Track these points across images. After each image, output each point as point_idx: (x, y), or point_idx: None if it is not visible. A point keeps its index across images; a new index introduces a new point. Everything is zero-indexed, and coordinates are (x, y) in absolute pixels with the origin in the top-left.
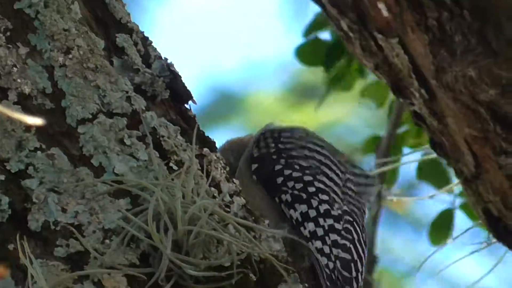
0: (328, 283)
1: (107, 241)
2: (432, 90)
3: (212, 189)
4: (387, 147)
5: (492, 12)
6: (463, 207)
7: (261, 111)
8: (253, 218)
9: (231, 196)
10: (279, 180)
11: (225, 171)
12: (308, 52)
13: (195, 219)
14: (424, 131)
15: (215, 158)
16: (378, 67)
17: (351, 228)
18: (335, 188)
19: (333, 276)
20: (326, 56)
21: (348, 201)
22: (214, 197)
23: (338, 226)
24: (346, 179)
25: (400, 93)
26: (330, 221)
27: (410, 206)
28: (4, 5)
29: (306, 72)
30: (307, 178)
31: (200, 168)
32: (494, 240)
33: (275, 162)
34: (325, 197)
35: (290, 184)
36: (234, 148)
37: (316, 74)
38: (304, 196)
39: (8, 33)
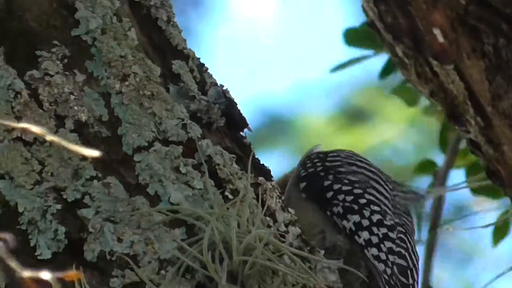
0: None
1: (163, 271)
2: (488, 118)
3: (267, 218)
4: (445, 174)
5: None
6: None
7: (311, 133)
8: (308, 248)
9: (286, 225)
10: (329, 194)
11: (280, 200)
12: (357, 34)
13: (250, 249)
14: (480, 159)
15: (271, 187)
16: (434, 93)
17: (405, 238)
18: (385, 201)
19: (392, 281)
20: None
21: (399, 214)
22: (269, 226)
23: (392, 235)
24: (394, 194)
25: (455, 121)
26: (384, 230)
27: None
28: (61, 31)
29: (356, 95)
30: (357, 191)
31: (255, 197)
32: None
33: (323, 179)
34: (376, 208)
35: (341, 197)
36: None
37: (366, 96)
38: (356, 207)
39: (66, 60)
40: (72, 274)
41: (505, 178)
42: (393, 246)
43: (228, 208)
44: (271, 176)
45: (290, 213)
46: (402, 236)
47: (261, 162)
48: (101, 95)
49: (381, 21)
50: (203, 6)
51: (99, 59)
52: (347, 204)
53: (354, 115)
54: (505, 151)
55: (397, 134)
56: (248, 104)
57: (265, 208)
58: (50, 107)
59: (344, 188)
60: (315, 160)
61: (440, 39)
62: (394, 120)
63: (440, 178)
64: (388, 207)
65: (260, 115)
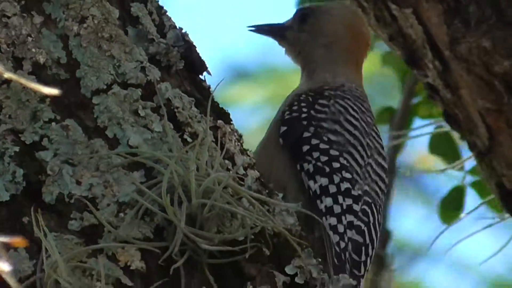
0: (336, 261)
1: (121, 214)
2: (446, 62)
3: (226, 161)
4: (401, 119)
5: None
6: (474, 185)
7: (280, 83)
8: (267, 191)
9: (245, 169)
10: (305, 148)
11: (239, 143)
12: None
13: (209, 192)
14: (438, 103)
15: (230, 130)
16: (392, 38)
17: (368, 210)
18: (357, 169)
19: (343, 256)
20: None
21: (368, 182)
22: (228, 169)
23: (356, 207)
24: (368, 163)
25: (414, 65)
26: (349, 201)
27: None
28: None
29: None
30: (334, 152)
31: (214, 140)
32: (507, 216)
33: (304, 128)
34: (348, 175)
35: (316, 154)
36: None
37: None
38: (327, 169)
39: (23, 2)
40: (18, 240)
41: (463, 122)
42: (354, 219)
43: (187, 151)
44: (230, 120)
45: (249, 156)
46: (366, 208)
47: (220, 106)
48: (59, 37)
49: None
50: None
51: (57, 1)
52: (319, 163)
53: None
54: (463, 95)
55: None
56: (213, 57)
57: (224, 151)
58: (8, 49)
59: (322, 146)
60: (302, 104)
61: None
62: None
63: (396, 124)
64: (359, 175)
65: (226, 70)
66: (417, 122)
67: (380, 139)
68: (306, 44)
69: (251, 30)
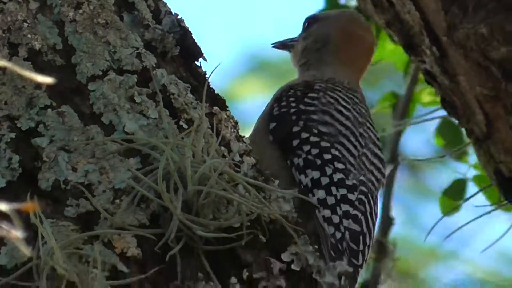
0: (333, 253)
1: (117, 201)
2: (443, 48)
3: (222, 148)
4: (405, 106)
5: None
6: (476, 179)
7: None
8: (263, 178)
9: (241, 155)
10: (295, 142)
11: (235, 130)
12: None
13: (205, 178)
14: (435, 90)
15: (225, 116)
16: (390, 24)
17: (365, 200)
18: (351, 159)
19: (340, 246)
20: None
21: (364, 172)
22: (224, 156)
23: (351, 196)
24: (363, 153)
25: (411, 51)
26: (343, 191)
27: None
28: None
29: None
30: (324, 144)
31: (210, 126)
32: (505, 202)
33: (293, 123)
34: (340, 166)
35: (306, 148)
36: None
37: None
38: (319, 162)
39: None
40: (28, 205)
41: (460, 108)
42: (350, 209)
43: (183, 138)
44: (226, 106)
45: (245, 142)
46: (363, 197)
47: (216, 92)
48: (55, 23)
49: None
50: None
51: None
52: (310, 157)
53: None
54: (460, 81)
55: (376, 77)
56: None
57: (220, 138)
58: (4, 35)
59: (312, 138)
60: (291, 99)
61: None
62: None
63: (399, 110)
64: (353, 165)
65: (246, 58)
66: (420, 109)
67: (375, 129)
68: (305, 50)
69: (273, 47)
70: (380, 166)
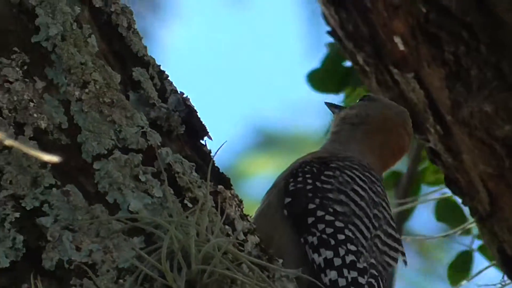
0: None
1: (121, 280)
2: (447, 126)
3: (227, 227)
4: (408, 185)
5: (508, 47)
6: (481, 248)
7: (300, 150)
8: (267, 257)
9: (245, 234)
10: (310, 220)
11: (239, 208)
12: (320, 78)
13: (209, 258)
14: (439, 168)
15: (230, 195)
16: (394, 102)
17: (375, 284)
18: (363, 241)
19: None
20: (336, 81)
21: (375, 255)
22: (228, 235)
23: (361, 280)
24: (375, 234)
25: (416, 129)
26: (354, 274)
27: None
28: (21, 38)
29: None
30: (339, 224)
31: (214, 205)
32: (509, 281)
33: (309, 200)
34: (353, 248)
35: (321, 226)
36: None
37: None
38: (333, 242)
39: (25, 67)
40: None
41: (464, 187)
42: None
43: (187, 217)
44: (231, 185)
45: (249, 221)
46: (373, 281)
47: (221, 171)
48: (60, 102)
49: (342, 29)
50: (163, 10)
51: (59, 66)
52: (324, 236)
53: None
54: (464, 159)
55: None
56: (237, 120)
57: (224, 216)
58: (10, 115)
59: (327, 217)
60: (307, 176)
61: (401, 47)
62: None
63: (402, 190)
64: (365, 247)
65: (253, 133)
66: (424, 188)
67: (390, 209)
68: (344, 119)
69: (325, 103)
70: (396, 245)
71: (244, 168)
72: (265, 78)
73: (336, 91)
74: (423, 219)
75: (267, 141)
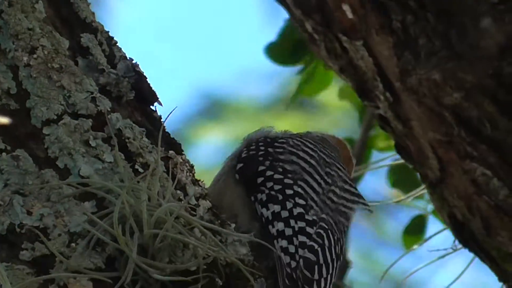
0: (287, 281)
1: (73, 244)
2: (396, 93)
3: (178, 192)
4: (360, 151)
5: (456, 16)
6: (435, 212)
7: (248, 118)
8: (219, 221)
9: (197, 199)
10: (259, 180)
11: (190, 173)
12: (279, 50)
13: (161, 222)
14: (389, 135)
15: (181, 160)
16: (343, 70)
17: (324, 234)
18: (313, 195)
19: (294, 275)
20: (294, 53)
21: (327, 211)
22: (180, 200)
23: (310, 230)
24: (329, 190)
25: (365, 96)
26: (302, 224)
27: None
28: None
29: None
30: (288, 181)
31: (165, 170)
32: (460, 246)
33: (259, 163)
34: (301, 201)
35: (269, 184)
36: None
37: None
38: (280, 197)
39: None
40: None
41: (414, 154)
42: (307, 240)
43: (138, 182)
44: (182, 150)
45: (201, 186)
46: (321, 231)
47: (171, 136)
48: (9, 68)
49: None
50: None
51: (6, 32)
52: (272, 192)
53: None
54: (414, 126)
55: (333, 123)
56: (188, 88)
57: (175, 181)
58: None
59: (276, 176)
60: (260, 144)
61: (349, 15)
62: (331, 110)
63: (355, 157)
64: (316, 201)
65: (200, 99)
66: (375, 155)
67: (347, 174)
68: None
69: None
70: (355, 198)
71: (193, 134)
72: (219, 45)
73: (293, 63)
74: (373, 185)
75: (216, 108)
